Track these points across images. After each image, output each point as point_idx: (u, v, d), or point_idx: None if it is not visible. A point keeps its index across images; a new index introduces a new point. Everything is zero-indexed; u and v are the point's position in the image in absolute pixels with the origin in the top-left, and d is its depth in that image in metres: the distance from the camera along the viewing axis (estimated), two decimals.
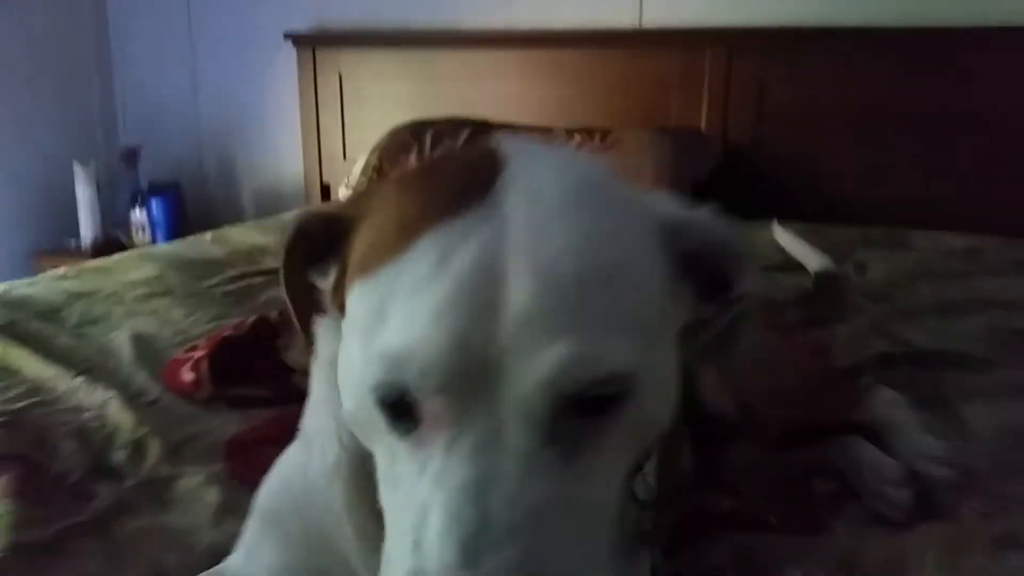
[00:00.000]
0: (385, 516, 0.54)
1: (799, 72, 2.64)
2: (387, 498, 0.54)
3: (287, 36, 3.17)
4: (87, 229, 3.09)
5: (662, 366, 0.55)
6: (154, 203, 3.11)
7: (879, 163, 2.60)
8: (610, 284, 0.51)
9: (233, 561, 0.80)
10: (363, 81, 3.12)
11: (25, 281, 1.83)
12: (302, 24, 3.22)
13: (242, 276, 1.90)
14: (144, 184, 3.27)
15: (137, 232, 3.12)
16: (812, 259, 1.70)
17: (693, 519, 0.96)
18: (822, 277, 1.66)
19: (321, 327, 0.68)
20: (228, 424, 1.19)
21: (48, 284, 1.79)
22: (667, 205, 0.59)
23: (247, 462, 1.06)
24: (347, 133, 3.19)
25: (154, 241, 3.02)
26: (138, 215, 3.11)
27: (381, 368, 0.50)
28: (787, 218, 2.47)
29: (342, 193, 2.76)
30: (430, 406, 0.49)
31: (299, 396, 0.78)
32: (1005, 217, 2.39)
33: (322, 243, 0.61)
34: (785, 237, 1.73)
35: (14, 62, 3.23)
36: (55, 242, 3.24)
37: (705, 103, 2.74)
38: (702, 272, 0.59)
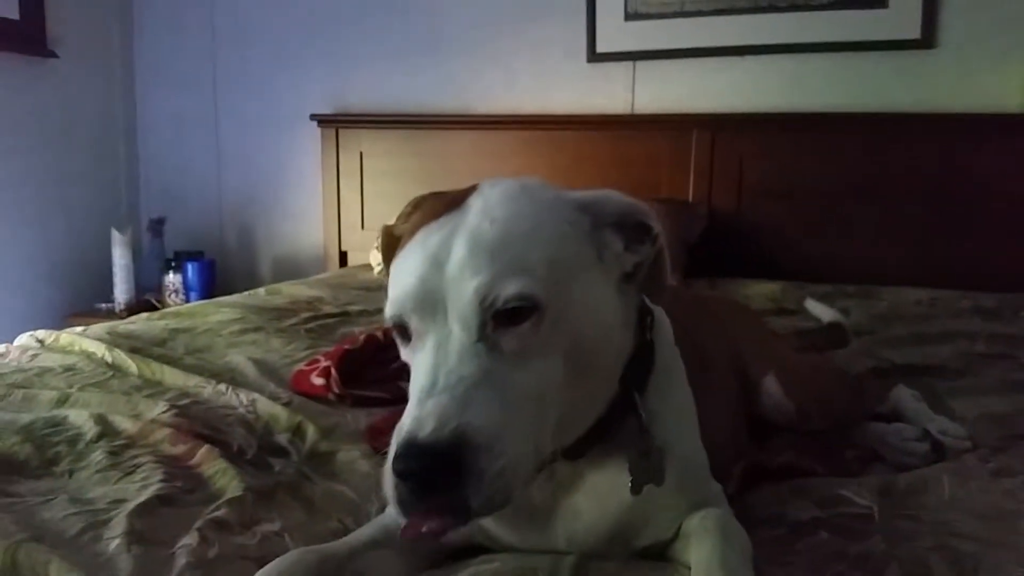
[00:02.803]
0: None
1: (774, 150, 3.04)
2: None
3: (313, 117, 3.49)
4: (122, 293, 3.28)
5: (584, 294, 0.84)
6: (190, 267, 3.33)
7: (843, 228, 2.97)
8: (523, 244, 0.81)
9: (391, 509, 1.04)
10: (382, 158, 3.43)
11: (123, 322, 2.04)
12: (322, 103, 3.54)
13: (314, 318, 2.15)
14: (169, 253, 3.50)
15: (170, 295, 3.31)
16: (827, 313, 2.14)
17: (755, 470, 1.23)
18: (833, 325, 2.05)
19: None
20: (359, 417, 1.43)
21: (144, 324, 2.01)
22: (585, 192, 0.89)
23: (387, 443, 1.29)
24: (365, 205, 3.48)
25: (188, 303, 3.20)
26: (171, 279, 3.32)
27: (390, 308, 0.83)
28: (766, 276, 2.83)
29: (373, 255, 3.02)
30: (413, 323, 0.81)
31: (406, 397, 1.03)
32: (955, 275, 2.76)
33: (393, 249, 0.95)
34: (812, 303, 2.25)
35: (52, 131, 3.48)
36: (86, 306, 3.43)
37: (692, 177, 3.11)
38: (627, 229, 0.88)
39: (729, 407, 1.28)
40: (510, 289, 0.78)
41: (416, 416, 0.74)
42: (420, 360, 0.80)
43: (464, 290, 0.78)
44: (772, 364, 1.38)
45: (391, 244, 0.93)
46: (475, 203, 0.84)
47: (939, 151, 2.86)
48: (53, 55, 3.39)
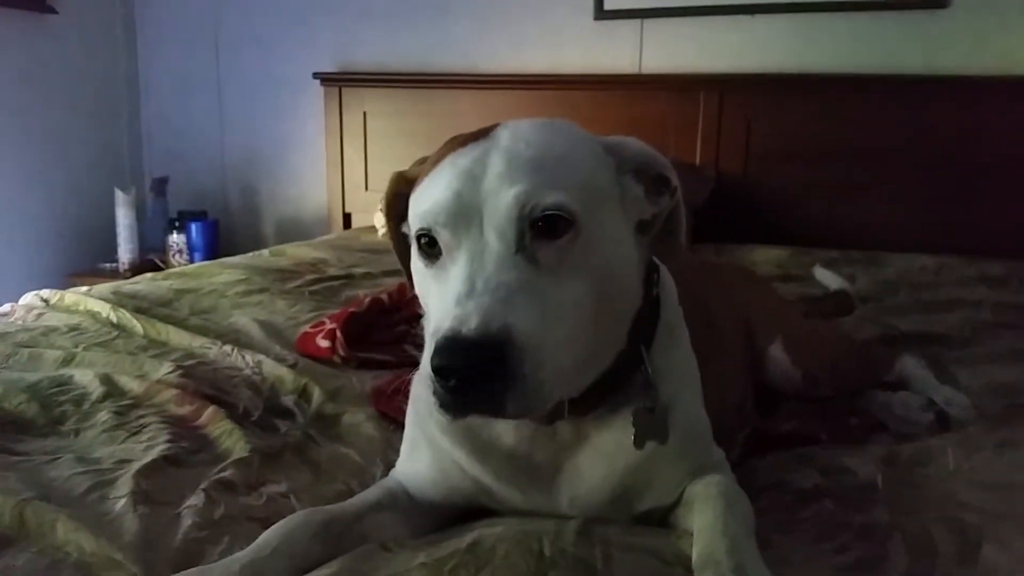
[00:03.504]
0: (427, 325, 0.83)
1: (782, 112, 3.00)
2: (428, 312, 0.84)
3: (316, 76, 3.44)
4: (125, 252, 3.27)
5: (609, 227, 0.84)
6: (193, 227, 3.32)
7: (852, 192, 2.94)
8: (557, 165, 0.81)
9: (398, 469, 1.05)
10: (386, 118, 3.40)
11: (127, 282, 2.04)
12: (326, 63, 3.49)
13: (318, 280, 2.14)
14: (173, 213, 3.49)
15: (174, 255, 3.31)
16: (834, 281, 2.16)
17: (759, 438, 1.23)
18: (839, 292, 2.06)
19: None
20: (364, 379, 1.43)
21: (148, 284, 2.01)
22: (609, 136, 0.90)
23: (390, 406, 1.30)
24: (369, 166, 3.45)
25: (192, 263, 3.19)
26: (175, 238, 3.31)
27: (419, 222, 0.82)
28: (773, 241, 2.81)
29: (377, 217, 3.00)
30: (444, 237, 0.80)
31: (411, 360, 1.03)
32: (962, 241, 2.74)
33: (404, 199, 0.92)
34: (820, 270, 2.28)
35: (52, 89, 3.43)
36: (89, 266, 3.42)
37: (699, 139, 3.07)
38: (647, 179, 0.89)
39: (734, 373, 1.27)
40: (550, 199, 0.77)
41: (457, 314, 0.72)
42: (453, 273, 0.78)
43: (503, 198, 0.77)
44: (779, 331, 1.38)
45: (401, 190, 0.91)
46: (504, 132, 0.84)
47: (950, 115, 2.82)
48: (52, 11, 3.34)
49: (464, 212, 0.78)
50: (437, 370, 0.72)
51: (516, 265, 0.76)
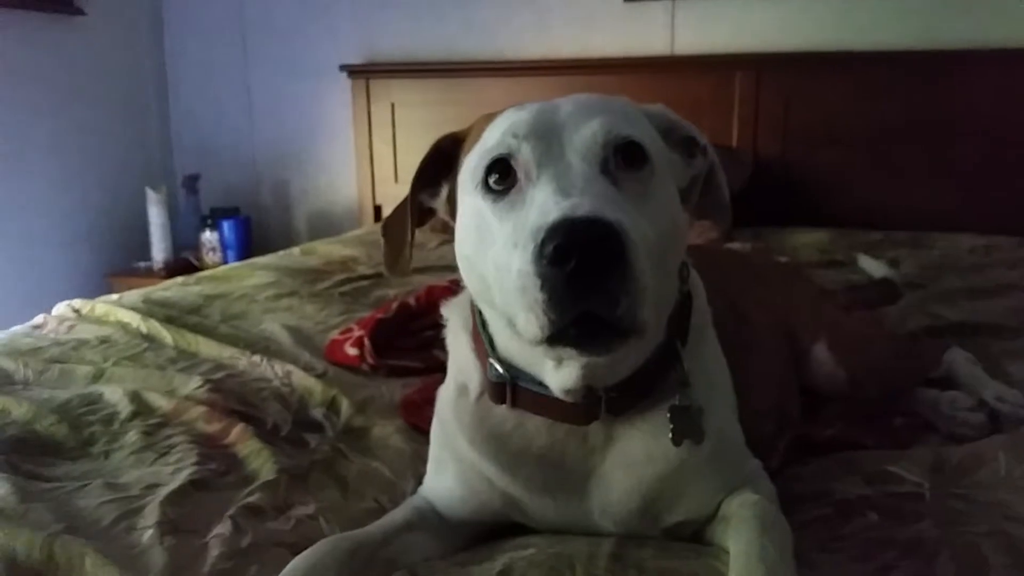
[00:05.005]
0: (497, 268, 0.76)
1: (821, 91, 2.91)
2: (484, 259, 0.79)
3: (343, 68, 3.42)
4: (159, 251, 3.30)
5: (668, 181, 0.83)
6: (226, 225, 3.32)
7: (894, 172, 2.85)
8: (622, 112, 0.83)
9: (425, 486, 1.02)
10: (413, 108, 3.36)
11: (158, 287, 2.05)
12: (353, 55, 3.47)
13: (347, 280, 2.13)
14: (205, 210, 3.50)
15: (207, 253, 3.32)
16: (879, 270, 2.10)
17: (802, 443, 1.19)
18: (885, 281, 1.99)
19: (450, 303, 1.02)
20: (393, 388, 1.41)
21: (179, 290, 2.01)
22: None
23: (421, 417, 1.27)
24: (399, 158, 3.43)
25: (225, 261, 3.21)
26: (208, 236, 3.32)
27: (491, 152, 0.79)
28: (814, 224, 2.74)
29: None
30: (524, 154, 0.77)
31: (441, 366, 1.01)
32: (1011, 220, 2.64)
33: (443, 163, 0.91)
34: (864, 259, 2.21)
35: (82, 90, 3.45)
36: (125, 265, 3.46)
37: (736, 121, 3.00)
38: (679, 144, 0.90)
39: (770, 376, 1.23)
40: (629, 130, 0.79)
41: (564, 206, 0.70)
42: (537, 190, 0.75)
43: (587, 127, 0.78)
44: (822, 331, 1.32)
45: (446, 147, 0.90)
46: (558, 99, 0.83)
47: (996, 89, 2.71)
48: (80, 12, 3.35)
49: (544, 132, 0.78)
50: (556, 251, 0.67)
51: (603, 185, 0.75)
